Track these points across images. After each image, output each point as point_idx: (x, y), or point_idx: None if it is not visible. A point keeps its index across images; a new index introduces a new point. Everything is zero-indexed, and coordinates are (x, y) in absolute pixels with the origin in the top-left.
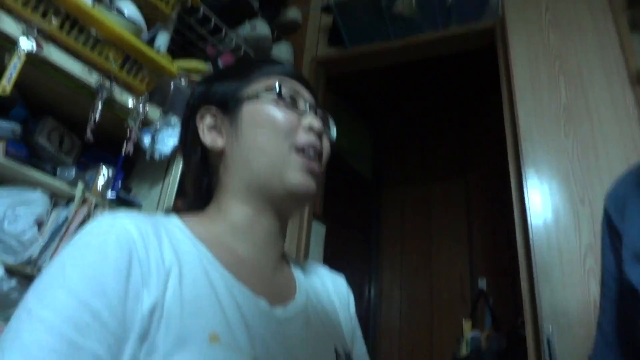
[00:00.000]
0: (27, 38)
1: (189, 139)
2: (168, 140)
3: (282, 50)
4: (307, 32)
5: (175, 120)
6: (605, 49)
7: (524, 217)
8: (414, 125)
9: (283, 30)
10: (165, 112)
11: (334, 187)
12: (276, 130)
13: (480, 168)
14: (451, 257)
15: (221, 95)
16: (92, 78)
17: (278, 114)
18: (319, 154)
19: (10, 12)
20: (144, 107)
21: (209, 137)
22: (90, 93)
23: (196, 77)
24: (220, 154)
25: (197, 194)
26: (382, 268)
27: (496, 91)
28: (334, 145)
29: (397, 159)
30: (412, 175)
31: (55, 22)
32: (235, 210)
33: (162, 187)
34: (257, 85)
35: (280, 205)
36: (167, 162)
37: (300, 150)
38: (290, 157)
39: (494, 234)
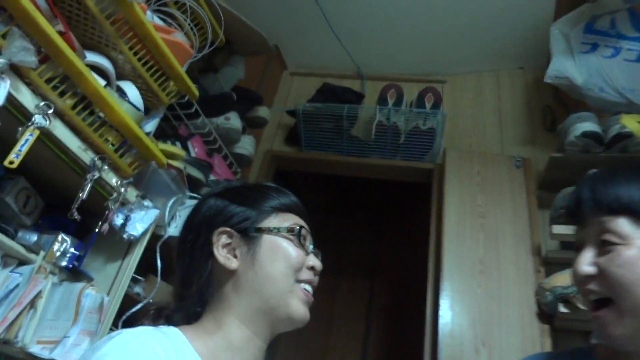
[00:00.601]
0: (42, 114)
1: (203, 253)
2: (140, 223)
3: (247, 143)
4: (267, 127)
5: (149, 203)
6: (518, 219)
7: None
8: (334, 219)
9: (251, 124)
10: (142, 196)
11: None
12: (289, 265)
13: (387, 273)
14: (345, 353)
15: (240, 220)
16: (87, 156)
17: (293, 252)
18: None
19: (29, 84)
20: (125, 189)
21: (224, 256)
22: (80, 167)
23: (174, 163)
24: (231, 274)
25: (196, 303)
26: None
27: (415, 214)
28: None
29: None
30: (324, 265)
31: (70, 101)
32: (235, 329)
33: (121, 266)
34: (276, 219)
35: (277, 329)
36: (129, 243)
37: (301, 283)
38: (295, 289)
39: (388, 337)
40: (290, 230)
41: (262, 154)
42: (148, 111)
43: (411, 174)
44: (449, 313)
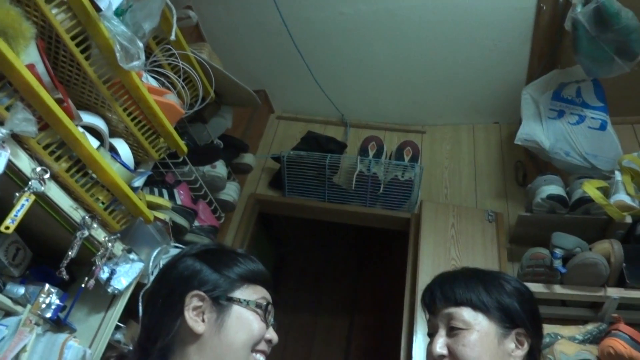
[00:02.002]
0: (38, 179)
1: (174, 311)
2: (125, 277)
3: (232, 189)
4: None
5: (134, 257)
6: None
7: None
8: (314, 259)
9: (236, 171)
10: (128, 250)
11: None
12: (251, 337)
13: (366, 313)
14: None
15: (213, 287)
16: (77, 215)
17: (257, 325)
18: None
19: (27, 150)
20: (112, 244)
21: (193, 319)
22: (70, 225)
23: (160, 214)
24: (196, 336)
25: (158, 357)
26: None
27: (393, 254)
28: None
29: (292, 285)
30: (302, 302)
31: (65, 164)
32: None
33: (104, 318)
34: (247, 291)
35: None
36: (113, 295)
37: (256, 353)
38: (250, 359)
39: None
40: (258, 305)
41: (246, 197)
42: (138, 165)
43: (389, 222)
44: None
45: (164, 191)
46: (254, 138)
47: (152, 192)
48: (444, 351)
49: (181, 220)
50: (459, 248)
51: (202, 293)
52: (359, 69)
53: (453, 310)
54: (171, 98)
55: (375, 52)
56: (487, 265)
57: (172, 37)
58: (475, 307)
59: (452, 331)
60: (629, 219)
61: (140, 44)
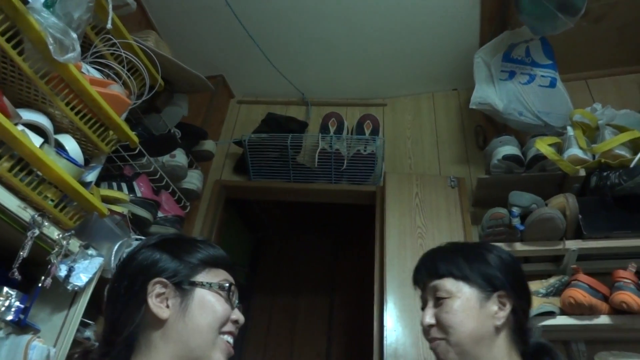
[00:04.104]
0: None
1: (137, 300)
2: (84, 273)
3: (194, 177)
4: (215, 156)
5: (93, 252)
6: (454, 237)
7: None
8: (292, 242)
9: (197, 158)
10: (85, 246)
11: None
12: (216, 319)
13: (345, 290)
14: None
15: (175, 273)
16: (26, 214)
17: (221, 307)
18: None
19: None
20: (67, 241)
21: (157, 306)
22: (20, 225)
23: (117, 208)
24: (161, 323)
25: (124, 349)
26: None
27: (367, 232)
28: None
29: (271, 268)
30: (283, 285)
31: (7, 164)
32: None
33: (67, 316)
34: (209, 275)
35: None
36: (74, 292)
37: (224, 334)
38: (217, 341)
39: (350, 351)
40: (221, 286)
41: (212, 184)
42: (89, 160)
43: (355, 196)
44: (393, 333)
45: (123, 185)
46: (216, 124)
47: (110, 187)
48: (432, 320)
49: (143, 213)
50: (423, 216)
51: (164, 280)
52: (314, 47)
53: (437, 282)
54: (116, 89)
55: (328, 29)
56: (451, 230)
57: (109, 26)
58: (457, 276)
59: (438, 301)
60: (582, 172)
61: (74, 35)
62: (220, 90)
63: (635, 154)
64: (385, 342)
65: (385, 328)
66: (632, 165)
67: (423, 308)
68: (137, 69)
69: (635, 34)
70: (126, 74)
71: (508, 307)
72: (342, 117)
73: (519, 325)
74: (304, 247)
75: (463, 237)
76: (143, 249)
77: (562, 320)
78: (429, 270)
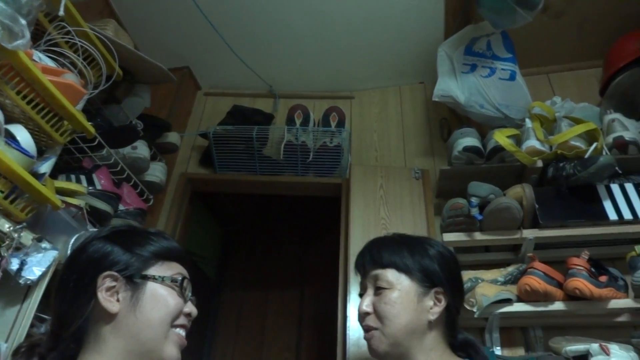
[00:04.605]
0: None
1: (87, 293)
2: (37, 266)
3: (157, 170)
4: (181, 149)
5: (47, 245)
6: (417, 228)
7: (344, 337)
8: (262, 236)
9: (161, 150)
10: (38, 239)
11: None
12: (168, 313)
13: (314, 283)
14: None
15: (126, 266)
16: None
17: (173, 300)
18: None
19: None
20: (19, 234)
21: (107, 299)
22: None
23: (74, 200)
24: (111, 317)
25: (73, 343)
26: None
27: (335, 225)
28: (186, 251)
29: (241, 262)
30: (253, 279)
31: None
32: None
33: (20, 310)
34: (161, 268)
35: None
36: (27, 286)
37: (176, 327)
38: (170, 334)
39: (320, 344)
40: (173, 280)
41: (177, 177)
42: (43, 151)
43: (321, 189)
44: (356, 323)
45: (82, 177)
46: (182, 116)
47: (68, 179)
48: (369, 309)
49: (102, 205)
50: (387, 207)
51: (114, 273)
52: (282, 39)
53: (379, 271)
54: (70, 78)
55: (296, 21)
56: (415, 221)
57: (61, 12)
58: (399, 268)
59: (377, 291)
60: (539, 163)
61: (24, 21)
62: (186, 82)
63: (591, 145)
64: (348, 332)
65: (348, 319)
66: (586, 156)
67: (361, 295)
68: (94, 58)
69: (594, 29)
70: (82, 62)
71: (443, 304)
72: (308, 110)
73: (451, 320)
74: (273, 240)
75: (426, 228)
76: (94, 241)
77: (518, 307)
78: (373, 259)
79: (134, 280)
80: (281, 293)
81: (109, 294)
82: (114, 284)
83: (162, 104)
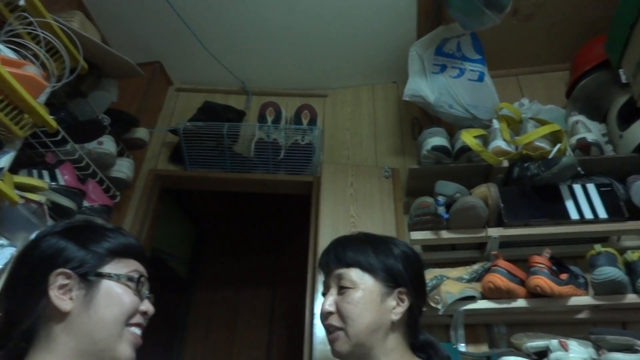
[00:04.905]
0: None
1: (38, 291)
2: None
3: (124, 166)
4: (150, 145)
5: (4, 241)
6: (386, 226)
7: (311, 335)
8: (234, 234)
9: (129, 146)
10: None
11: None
12: (123, 312)
13: (286, 282)
14: None
15: (80, 263)
16: None
17: (128, 299)
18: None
19: None
20: None
21: (59, 298)
22: None
23: (34, 196)
24: (63, 315)
25: (22, 342)
26: None
27: (307, 224)
28: (155, 249)
29: (213, 261)
30: (225, 277)
31: None
32: None
33: None
34: (117, 265)
35: None
36: None
37: (131, 326)
38: (124, 333)
39: (290, 343)
40: (129, 278)
41: (146, 173)
42: (2, 145)
43: (293, 187)
44: None
45: (44, 172)
46: (152, 112)
47: (30, 174)
48: (332, 308)
49: (65, 201)
50: (357, 205)
51: (68, 270)
52: (255, 35)
53: (343, 271)
54: (31, 70)
55: (270, 18)
56: (384, 219)
57: (21, 2)
58: (363, 268)
59: (341, 290)
60: (505, 163)
61: None
62: (157, 77)
63: (555, 146)
64: (315, 330)
65: (315, 317)
66: (550, 157)
67: (324, 294)
68: (58, 51)
69: (563, 33)
70: (44, 54)
71: (406, 304)
72: (279, 107)
73: (413, 321)
74: (246, 239)
75: (395, 226)
76: (47, 236)
77: (483, 304)
78: (338, 257)
79: (88, 278)
80: (253, 292)
81: (62, 292)
82: (67, 281)
83: (131, 99)
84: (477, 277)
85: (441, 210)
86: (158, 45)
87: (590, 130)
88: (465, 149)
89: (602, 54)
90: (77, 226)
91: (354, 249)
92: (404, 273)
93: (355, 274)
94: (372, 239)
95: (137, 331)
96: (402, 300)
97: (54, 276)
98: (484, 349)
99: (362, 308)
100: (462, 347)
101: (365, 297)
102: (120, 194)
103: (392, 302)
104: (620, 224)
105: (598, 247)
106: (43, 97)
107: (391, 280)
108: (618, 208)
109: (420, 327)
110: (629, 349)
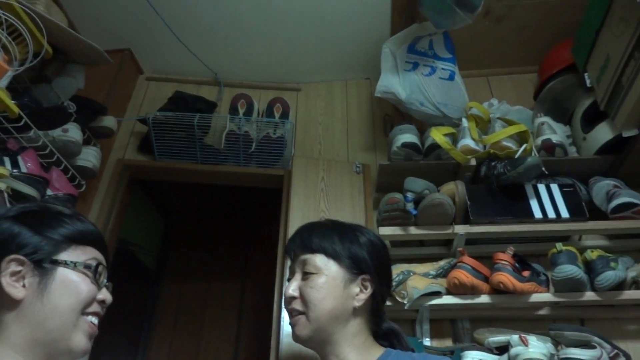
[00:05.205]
0: None
1: None
2: None
3: (90, 155)
4: (118, 134)
5: None
6: (356, 220)
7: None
8: (204, 226)
9: (96, 135)
10: None
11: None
12: (79, 301)
13: (256, 275)
14: (217, 355)
15: (34, 249)
16: None
17: (85, 287)
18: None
19: None
20: None
21: (11, 285)
22: None
23: None
24: (15, 303)
25: None
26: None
27: (278, 217)
28: (122, 240)
29: (182, 253)
30: (194, 269)
31: None
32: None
33: None
34: (74, 253)
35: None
36: None
37: (88, 315)
38: (79, 323)
39: (259, 336)
40: (87, 266)
41: (114, 163)
42: None
43: (263, 180)
44: None
45: (5, 159)
46: (121, 100)
47: None
48: (295, 293)
49: (28, 190)
50: (328, 200)
51: (21, 257)
52: (229, 26)
53: (308, 256)
54: None
55: (244, 8)
56: (354, 214)
57: None
58: (328, 254)
59: (305, 275)
60: (473, 162)
61: None
62: (127, 64)
63: (521, 146)
64: (282, 323)
65: (283, 310)
66: (516, 157)
67: (289, 279)
68: (21, 34)
69: (533, 35)
70: (6, 37)
71: (369, 291)
72: (251, 99)
73: (376, 308)
74: (216, 231)
75: (364, 221)
76: (0, 221)
77: (447, 299)
78: (303, 243)
79: (43, 265)
80: (222, 285)
81: (14, 279)
82: (19, 268)
83: (99, 87)
84: (443, 273)
85: (410, 206)
86: (128, 32)
87: (555, 132)
88: (435, 146)
89: (569, 58)
90: (32, 211)
91: (319, 235)
92: (369, 260)
93: (319, 260)
94: (338, 226)
95: (95, 320)
96: (366, 288)
97: (6, 262)
98: (448, 343)
99: (324, 293)
100: (426, 341)
101: (329, 283)
102: (85, 183)
103: (355, 288)
104: (582, 224)
105: (559, 246)
106: (5, 81)
107: (355, 267)
108: (580, 208)
109: (384, 315)
110: (586, 345)
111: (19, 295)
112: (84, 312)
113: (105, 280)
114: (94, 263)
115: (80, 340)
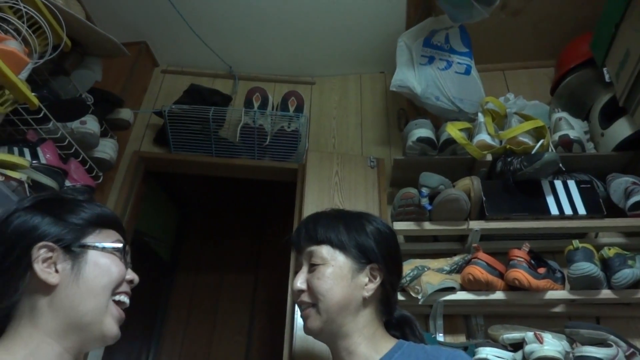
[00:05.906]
0: None
1: (19, 266)
2: None
3: (108, 147)
4: (134, 126)
5: None
6: None
7: (292, 320)
8: (218, 219)
9: (113, 127)
10: None
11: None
12: (112, 281)
13: (269, 268)
14: (230, 347)
15: (62, 235)
16: None
17: (116, 268)
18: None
19: None
20: None
21: (45, 271)
22: None
23: (14, 174)
24: (50, 289)
25: (3, 316)
26: (162, 352)
27: (291, 210)
28: (138, 231)
29: (195, 245)
30: (207, 262)
31: None
32: (44, 347)
33: None
34: (100, 236)
35: (88, 346)
36: None
37: (120, 294)
38: (110, 307)
39: (272, 328)
40: (115, 248)
41: (130, 155)
42: None
43: (277, 173)
44: None
45: (25, 150)
46: (137, 93)
47: (10, 151)
48: (303, 286)
49: (47, 180)
50: (342, 194)
51: (51, 243)
52: (244, 19)
53: (314, 248)
54: (13, 45)
55: (259, 3)
56: (368, 209)
57: None
58: (334, 244)
59: (311, 267)
60: (489, 157)
61: None
62: (143, 57)
63: (538, 142)
64: (296, 316)
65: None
66: (533, 152)
67: (297, 272)
68: (41, 26)
69: (550, 29)
70: (26, 30)
71: (378, 280)
72: (266, 93)
73: (386, 297)
74: (230, 224)
75: (379, 216)
76: (18, 212)
77: (461, 295)
78: (309, 234)
79: (72, 249)
80: (235, 277)
81: (46, 265)
82: (50, 254)
83: (116, 79)
84: (458, 269)
85: (424, 201)
86: (144, 25)
87: (572, 128)
88: (450, 141)
89: (588, 52)
90: (49, 199)
91: (324, 226)
92: (377, 249)
93: (325, 251)
94: (344, 215)
95: (126, 299)
96: (375, 277)
97: (36, 249)
98: (461, 339)
99: (331, 284)
100: (440, 336)
101: (336, 273)
102: (103, 175)
103: (363, 278)
104: (598, 221)
105: (576, 243)
106: (25, 74)
107: (363, 256)
108: (597, 205)
109: (395, 304)
110: (601, 343)
111: (54, 280)
112: (115, 292)
113: (129, 262)
114: (120, 245)
115: (112, 325)
